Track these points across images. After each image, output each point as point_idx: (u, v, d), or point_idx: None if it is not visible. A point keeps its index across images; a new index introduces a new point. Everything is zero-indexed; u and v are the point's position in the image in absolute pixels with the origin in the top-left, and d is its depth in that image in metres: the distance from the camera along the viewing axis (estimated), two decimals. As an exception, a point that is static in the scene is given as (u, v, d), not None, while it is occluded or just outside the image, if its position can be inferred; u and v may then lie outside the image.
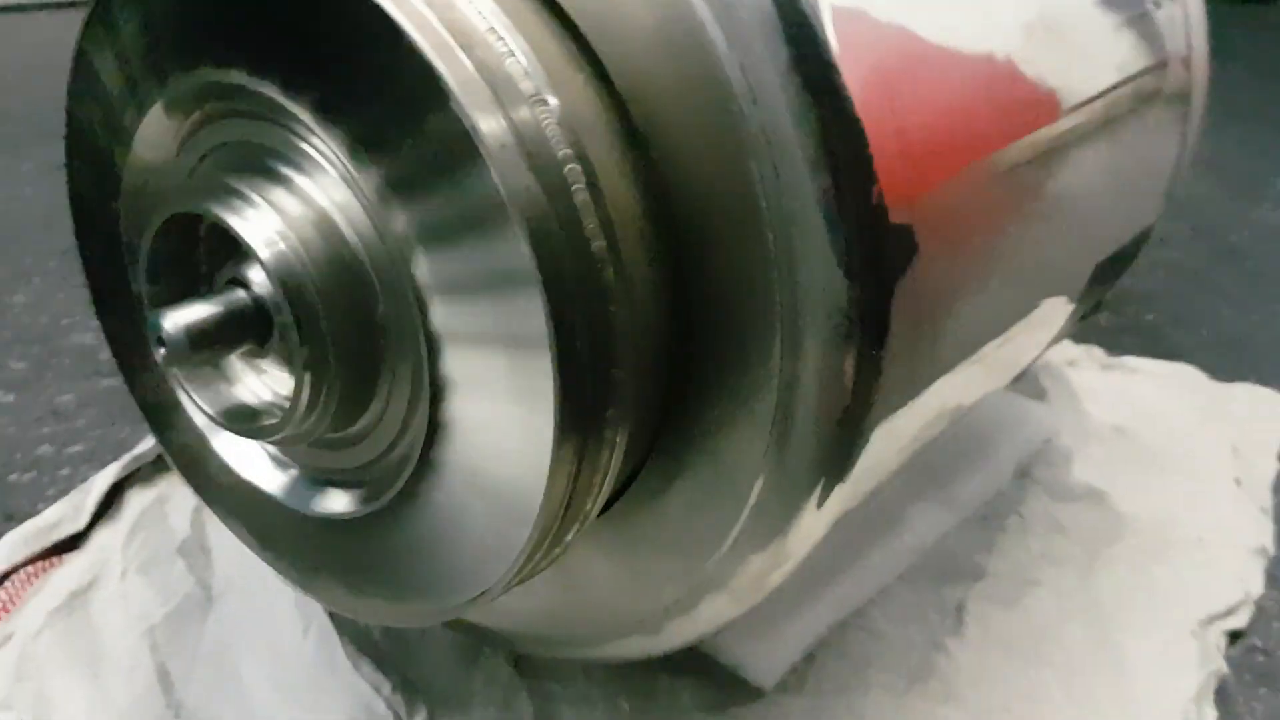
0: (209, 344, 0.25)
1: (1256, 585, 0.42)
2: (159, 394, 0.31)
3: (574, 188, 0.23)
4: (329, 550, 0.28)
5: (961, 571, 0.41)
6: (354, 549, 0.28)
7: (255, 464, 0.29)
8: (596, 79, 0.24)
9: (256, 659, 0.35)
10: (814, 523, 0.27)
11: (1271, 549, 0.44)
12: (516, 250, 0.22)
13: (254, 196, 0.25)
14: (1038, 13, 0.30)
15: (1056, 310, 0.35)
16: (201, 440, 0.30)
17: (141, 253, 0.27)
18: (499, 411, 0.24)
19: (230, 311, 0.25)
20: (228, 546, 0.39)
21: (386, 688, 0.34)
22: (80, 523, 0.39)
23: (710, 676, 0.36)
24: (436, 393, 0.24)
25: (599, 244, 0.23)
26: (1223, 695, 0.38)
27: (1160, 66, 0.35)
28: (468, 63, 0.22)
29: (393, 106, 0.22)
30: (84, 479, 0.43)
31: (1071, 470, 0.47)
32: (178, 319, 0.24)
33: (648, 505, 0.27)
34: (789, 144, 0.23)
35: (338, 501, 0.27)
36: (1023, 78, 0.29)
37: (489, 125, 0.22)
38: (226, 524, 0.31)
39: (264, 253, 0.24)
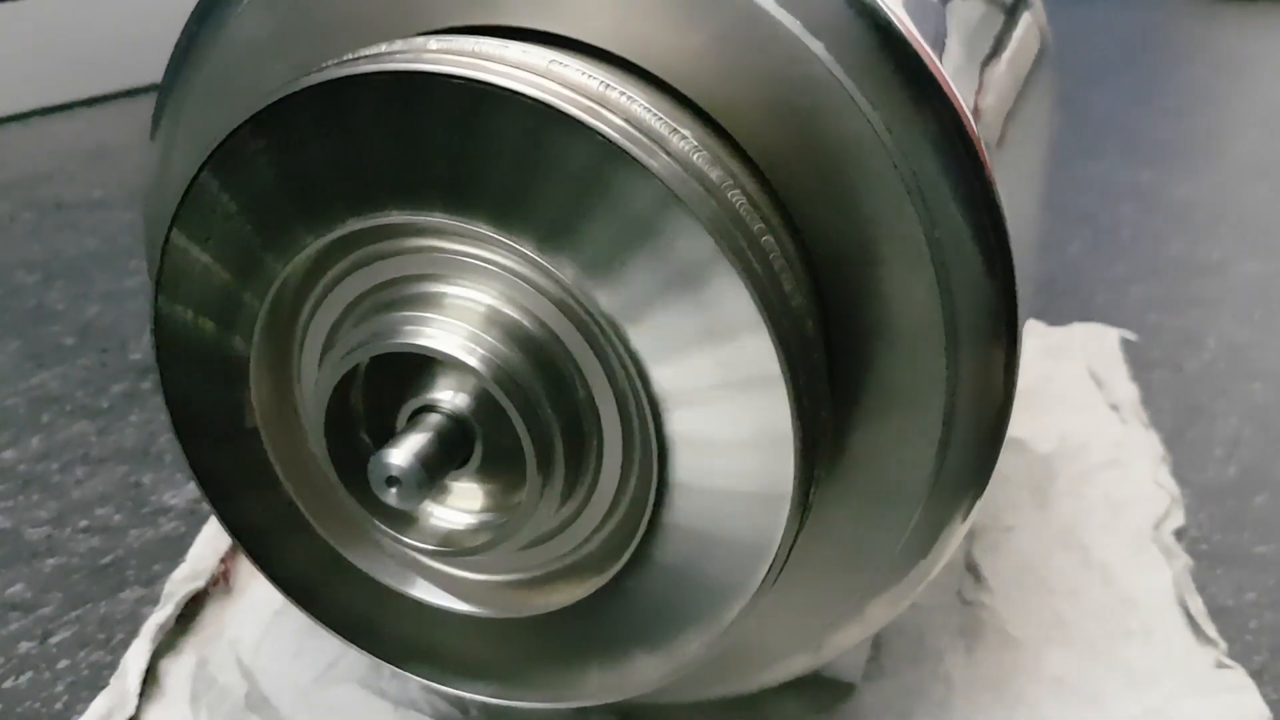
0: (436, 471, 0.25)
1: (1173, 487, 0.49)
2: (310, 570, 0.30)
3: (771, 256, 0.25)
4: (536, 649, 0.29)
5: (954, 535, 0.46)
6: (564, 637, 0.28)
7: (452, 592, 0.29)
8: (739, 157, 0.26)
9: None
10: (960, 530, 0.30)
11: (1168, 455, 0.52)
12: (755, 342, 0.24)
13: (431, 316, 0.26)
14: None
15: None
16: (378, 597, 0.30)
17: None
18: (727, 461, 0.25)
19: (440, 434, 0.26)
20: (284, 691, 0.38)
21: (539, 776, 0.34)
22: (130, 709, 0.37)
23: (805, 684, 0.38)
24: (664, 454, 0.26)
25: (798, 301, 0.25)
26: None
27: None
28: (665, 157, 0.24)
29: (597, 210, 0.24)
30: (90, 664, 0.40)
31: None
32: (405, 452, 0.25)
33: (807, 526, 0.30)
34: (935, 185, 0.26)
35: (556, 595, 0.28)
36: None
37: (706, 211, 0.24)
38: (409, 669, 0.30)
39: (471, 360, 0.25)
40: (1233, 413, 0.56)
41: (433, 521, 0.27)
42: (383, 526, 0.27)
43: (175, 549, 0.45)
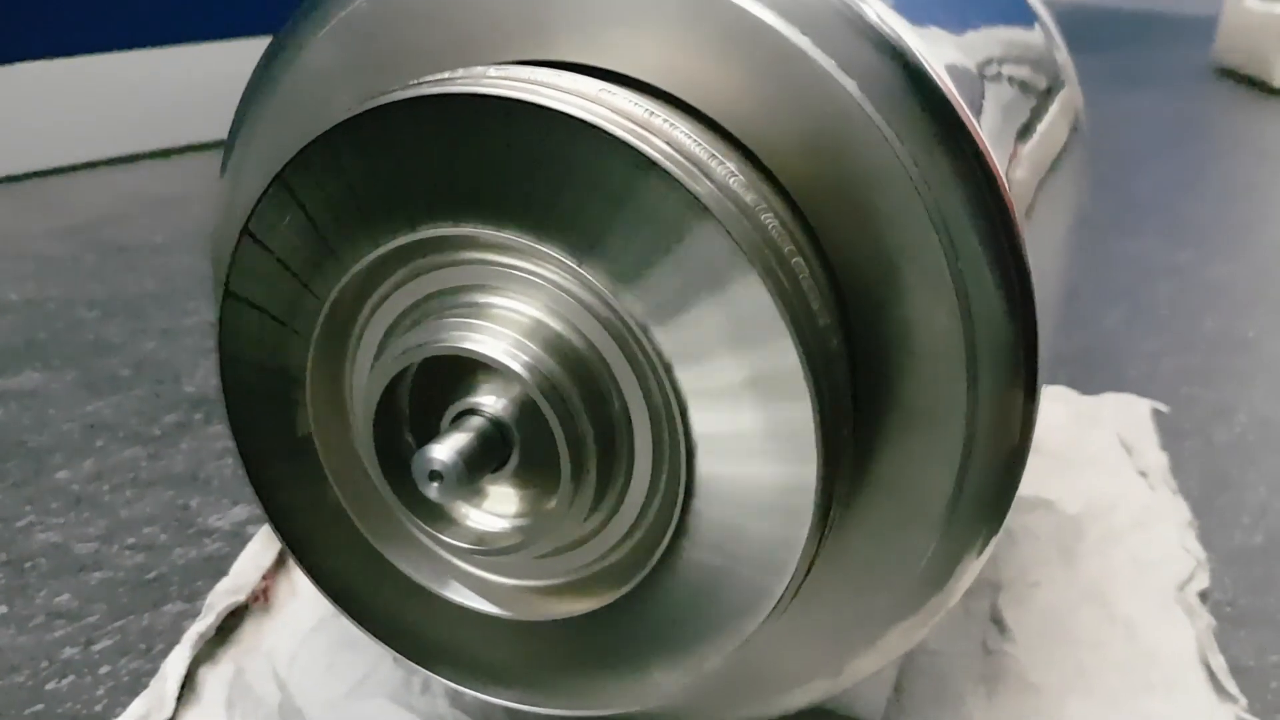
0: (476, 470, 0.27)
1: (1199, 551, 0.50)
2: (351, 571, 0.32)
3: (800, 276, 0.26)
4: (558, 656, 0.30)
5: (979, 586, 0.47)
6: (586, 644, 0.29)
7: (484, 595, 0.30)
8: (773, 186, 0.28)
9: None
10: (976, 565, 0.31)
11: (1195, 520, 0.52)
12: (782, 352, 0.25)
13: (479, 323, 0.27)
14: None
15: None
16: (412, 599, 0.31)
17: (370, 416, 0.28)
18: (752, 471, 0.26)
19: (481, 436, 0.27)
20: (316, 703, 0.39)
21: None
22: (167, 712, 0.38)
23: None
24: (691, 464, 0.27)
25: (825, 321, 0.27)
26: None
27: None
28: (704, 178, 0.25)
29: (639, 226, 0.25)
30: (130, 671, 0.42)
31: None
32: (448, 449, 0.26)
33: (822, 548, 0.31)
34: (958, 216, 0.27)
35: (581, 601, 0.29)
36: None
37: (740, 229, 0.25)
38: (438, 672, 0.31)
39: (515, 365, 0.26)
40: (1261, 483, 0.56)
41: (469, 522, 0.29)
42: (422, 524, 0.29)
43: (218, 568, 0.47)
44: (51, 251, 0.88)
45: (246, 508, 0.52)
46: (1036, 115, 0.38)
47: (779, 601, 0.27)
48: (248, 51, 0.35)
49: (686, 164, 0.25)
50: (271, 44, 0.34)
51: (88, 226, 0.95)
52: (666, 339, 0.26)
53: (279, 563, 0.46)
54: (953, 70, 0.28)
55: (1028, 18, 0.44)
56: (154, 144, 1.16)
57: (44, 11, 1.09)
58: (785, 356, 0.25)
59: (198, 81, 1.11)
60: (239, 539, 0.50)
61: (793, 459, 0.26)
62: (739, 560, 0.27)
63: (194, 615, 0.43)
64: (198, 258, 0.86)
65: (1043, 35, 0.44)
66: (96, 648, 0.43)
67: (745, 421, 0.26)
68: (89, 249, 0.89)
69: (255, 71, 0.34)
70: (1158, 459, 0.58)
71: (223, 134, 0.35)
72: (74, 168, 1.11)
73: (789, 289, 0.25)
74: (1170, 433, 0.61)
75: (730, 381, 0.26)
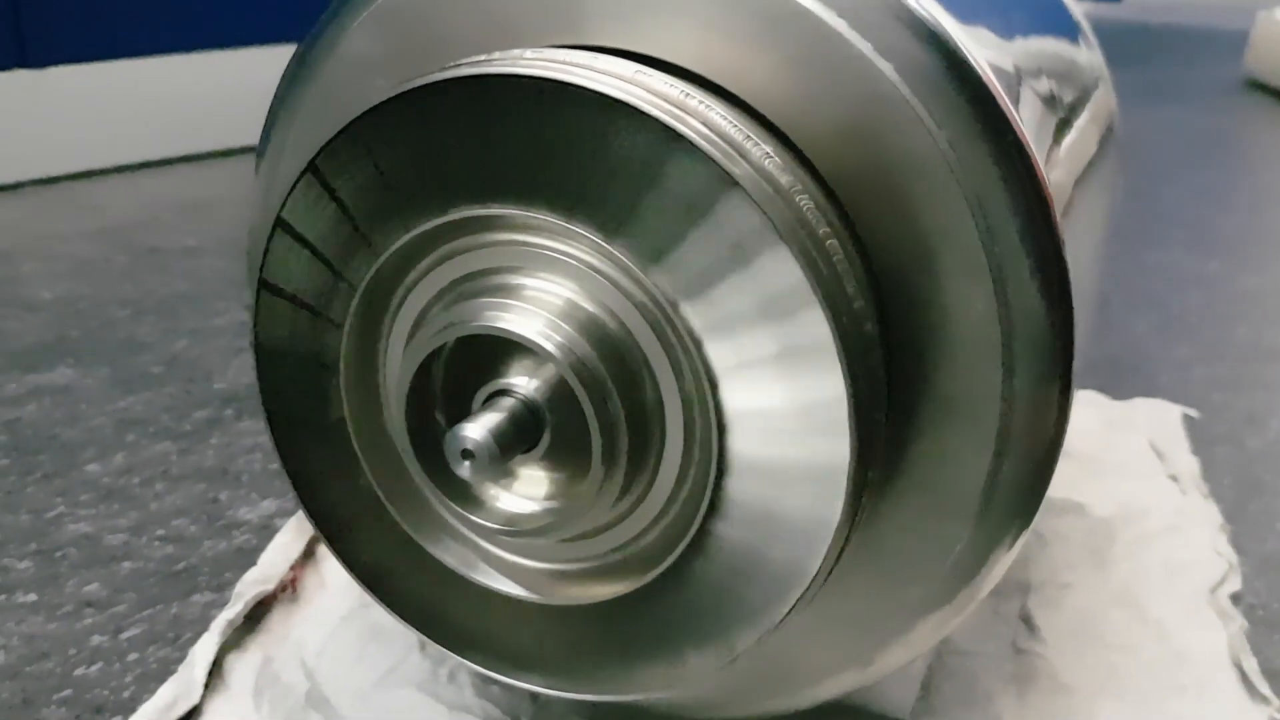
0: (508, 449, 0.27)
1: (1232, 554, 0.49)
2: (383, 557, 0.32)
3: (835, 259, 0.26)
4: (589, 641, 0.30)
5: (1008, 587, 0.46)
6: (617, 629, 0.29)
7: (515, 580, 0.30)
8: (808, 170, 0.28)
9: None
10: (1007, 558, 0.31)
11: (1227, 524, 0.52)
12: (813, 326, 0.25)
13: (512, 303, 0.27)
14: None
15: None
16: (443, 585, 0.31)
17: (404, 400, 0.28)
18: (785, 458, 0.26)
19: (513, 416, 0.27)
20: (344, 692, 0.39)
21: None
22: (194, 698, 0.38)
23: (853, 717, 0.39)
24: (723, 454, 0.27)
25: (859, 304, 0.27)
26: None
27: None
28: (740, 159, 0.25)
29: (670, 204, 0.25)
30: (158, 659, 0.42)
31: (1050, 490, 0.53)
32: (480, 427, 0.26)
33: (855, 536, 0.30)
34: (996, 202, 0.27)
35: (612, 586, 0.29)
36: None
37: (775, 210, 0.25)
38: (468, 658, 0.31)
39: (549, 346, 0.26)
40: (1295, 490, 0.56)
41: (499, 504, 0.29)
42: (453, 505, 0.29)
43: (247, 560, 0.47)
44: (84, 253, 0.89)
45: (275, 501, 0.53)
46: (1073, 115, 0.38)
47: (812, 582, 0.27)
48: (280, 57, 0.35)
49: (722, 144, 0.25)
50: (308, 34, 0.34)
51: (119, 229, 0.96)
52: (696, 315, 0.26)
53: (307, 554, 0.46)
54: (992, 66, 0.28)
55: (1065, 20, 0.44)
56: (185, 149, 1.17)
57: (77, 17, 1.10)
58: (817, 329, 0.25)
59: (230, 87, 1.12)
60: (268, 532, 0.50)
61: (826, 435, 0.26)
62: (772, 540, 0.27)
63: (222, 606, 0.44)
64: (228, 260, 0.87)
65: (1080, 38, 0.44)
66: (125, 636, 0.43)
67: (777, 397, 0.26)
68: (121, 250, 0.90)
69: (291, 61, 0.34)
70: (1189, 464, 0.57)
71: (254, 140, 0.35)
72: (106, 171, 1.12)
73: (823, 268, 0.25)
74: (1202, 439, 0.60)
75: (761, 357, 0.26)
